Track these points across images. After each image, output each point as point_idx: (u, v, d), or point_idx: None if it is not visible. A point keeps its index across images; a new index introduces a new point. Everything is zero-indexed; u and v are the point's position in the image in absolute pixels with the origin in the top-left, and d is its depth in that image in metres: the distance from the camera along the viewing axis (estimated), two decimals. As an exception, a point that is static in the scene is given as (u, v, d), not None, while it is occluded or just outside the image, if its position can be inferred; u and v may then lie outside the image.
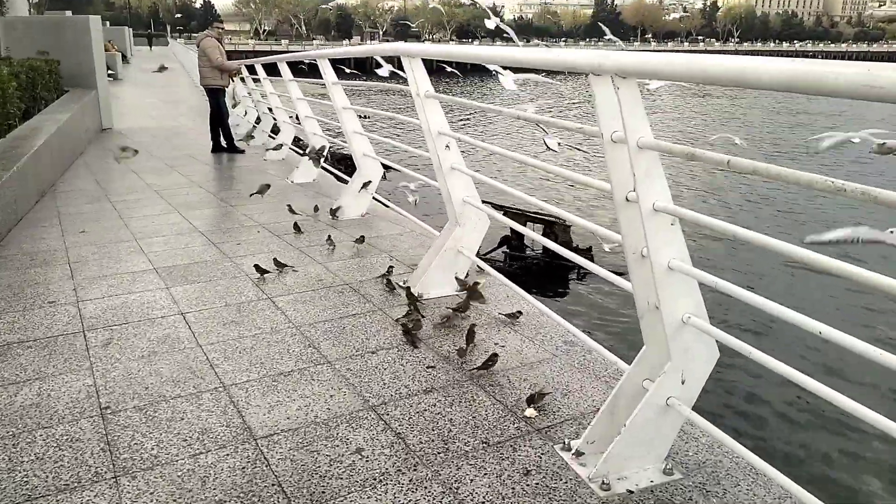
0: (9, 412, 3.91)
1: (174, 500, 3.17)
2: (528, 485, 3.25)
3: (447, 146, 5.45)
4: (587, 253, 14.25)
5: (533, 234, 5.98)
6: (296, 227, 7.68)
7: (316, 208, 8.53)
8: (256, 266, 6.15)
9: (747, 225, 2.93)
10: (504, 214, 14.82)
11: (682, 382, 3.30)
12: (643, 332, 3.42)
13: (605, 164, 3.14)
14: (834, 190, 2.13)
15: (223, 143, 14.19)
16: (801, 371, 2.76)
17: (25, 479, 3.30)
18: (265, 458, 3.48)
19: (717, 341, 3.25)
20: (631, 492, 3.19)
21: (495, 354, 4.37)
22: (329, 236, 7.14)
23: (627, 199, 3.20)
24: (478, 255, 5.62)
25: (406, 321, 5.00)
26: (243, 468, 3.40)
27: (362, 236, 7.13)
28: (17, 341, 4.88)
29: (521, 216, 14.50)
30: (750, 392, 8.17)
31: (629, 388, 3.47)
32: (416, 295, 5.52)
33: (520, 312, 5.13)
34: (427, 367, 4.41)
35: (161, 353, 4.68)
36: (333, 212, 8.13)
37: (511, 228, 16.35)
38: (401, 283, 5.85)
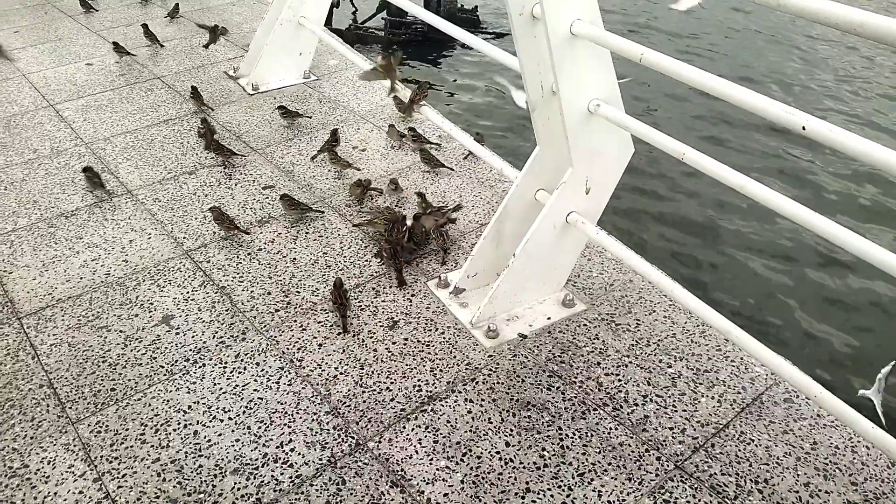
0: None
1: None
2: (393, 343, 2.49)
3: None
4: (472, 13, 12.77)
5: (404, 3, 4.58)
6: (83, 3, 5.87)
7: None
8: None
9: None
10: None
11: (587, 192, 2.50)
12: (535, 128, 2.52)
13: None
14: None
15: None
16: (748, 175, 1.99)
17: None
18: (32, 346, 2.51)
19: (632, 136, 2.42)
20: (524, 336, 2.51)
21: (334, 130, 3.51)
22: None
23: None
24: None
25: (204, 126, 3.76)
26: None
27: (176, 5, 5.53)
28: None
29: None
30: (670, 201, 6.72)
31: (518, 204, 2.64)
32: (254, 86, 4.30)
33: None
34: (263, 189, 3.39)
35: None
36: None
37: (388, -11, 14.35)
38: (230, 73, 4.55)
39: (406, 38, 12.97)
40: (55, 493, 2.00)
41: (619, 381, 2.32)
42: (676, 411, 2.21)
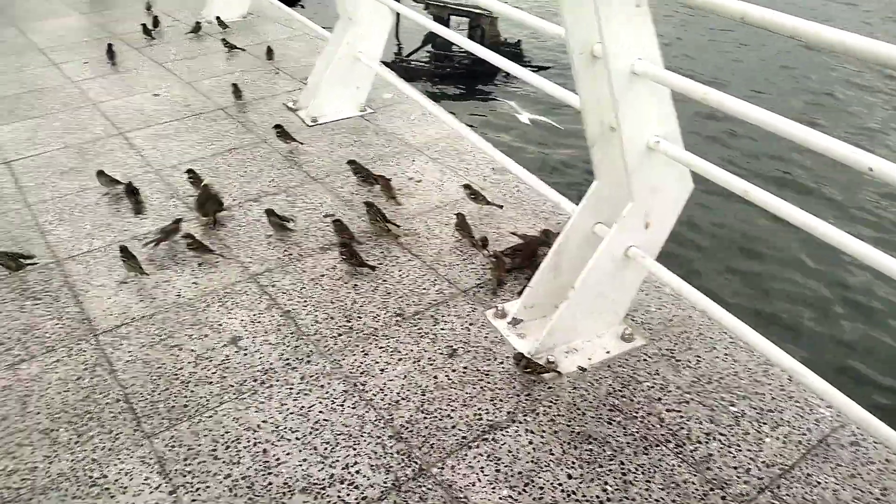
0: None
1: (-21, 437, 2.33)
2: (453, 371, 2.54)
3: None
4: (515, 47, 12.98)
5: (454, 36, 4.71)
6: (146, 30, 6.19)
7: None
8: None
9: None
10: (425, 7, 13.11)
11: (646, 227, 2.54)
12: (594, 163, 2.57)
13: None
14: None
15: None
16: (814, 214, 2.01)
17: None
18: (109, 361, 2.62)
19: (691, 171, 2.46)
20: (584, 369, 2.54)
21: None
22: (196, 22, 5.59)
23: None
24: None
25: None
26: (78, 379, 2.55)
27: (226, 41, 5.77)
28: None
29: (444, 8, 12.87)
30: (730, 239, 6.78)
31: (577, 236, 2.69)
32: (312, 118, 4.47)
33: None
34: (324, 217, 3.50)
35: (-27, 220, 3.59)
36: (222, 23, 6.34)
37: (435, 23, 14.61)
38: (289, 105, 4.72)
39: (450, 71, 13.21)
40: (131, 505, 2.08)
41: (682, 417, 2.33)
42: (741, 451, 2.21)
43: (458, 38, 3.99)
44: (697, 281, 2.63)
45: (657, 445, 2.23)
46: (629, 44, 2.17)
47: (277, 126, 4.13)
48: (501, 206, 3.50)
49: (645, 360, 2.57)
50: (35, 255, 3.21)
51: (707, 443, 2.23)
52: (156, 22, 6.41)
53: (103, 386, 2.51)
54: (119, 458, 2.22)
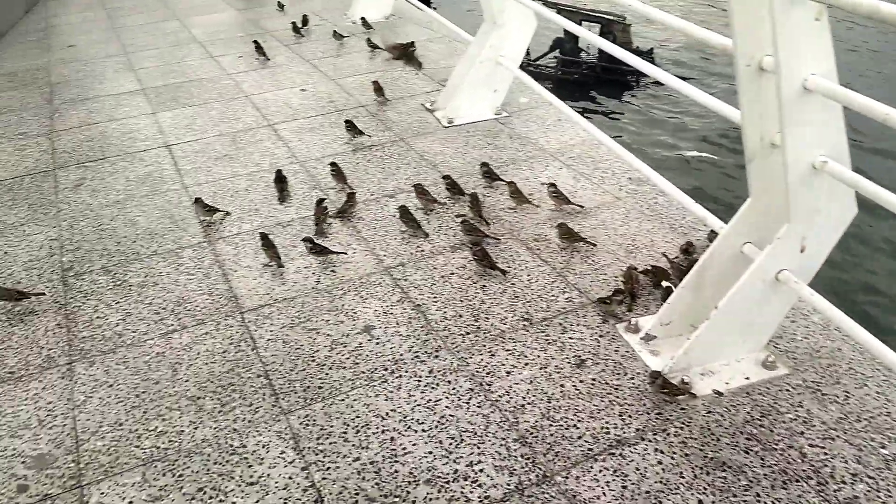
0: (-42, 274, 3.29)
1: (136, 395, 2.55)
2: (581, 381, 2.50)
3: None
4: (648, 55, 12.64)
5: (588, 35, 4.65)
6: (295, 28, 6.54)
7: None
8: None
9: None
10: (557, 12, 13.05)
11: (802, 251, 2.38)
12: (750, 179, 2.45)
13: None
14: None
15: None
16: None
17: (-35, 365, 2.72)
18: (252, 338, 2.79)
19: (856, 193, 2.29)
20: (720, 393, 2.42)
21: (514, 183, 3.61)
22: (334, 31, 5.91)
23: (753, -18, 2.07)
24: (525, 66, 4.51)
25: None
26: (224, 352, 2.73)
27: (369, 41, 5.96)
28: (-20, 182, 4.18)
29: (575, 14, 12.75)
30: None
31: (724, 254, 2.57)
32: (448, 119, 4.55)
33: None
34: (456, 216, 3.55)
35: (138, 198, 3.92)
36: (366, 24, 6.62)
37: (564, 29, 14.54)
38: (427, 105, 4.83)
39: (577, 77, 13.05)
40: (268, 475, 2.20)
41: (826, 454, 2.17)
42: (891, 496, 2.03)
43: (612, 48, 3.82)
44: (850, 311, 2.44)
45: (797, 481, 2.09)
46: (804, 58, 2.05)
47: (348, 121, 4.36)
48: (583, 207, 3.54)
49: (787, 390, 2.42)
50: (44, 293, 3.10)
51: (853, 484, 2.07)
52: (305, 21, 6.76)
53: (246, 361, 2.67)
54: (258, 431, 2.36)
